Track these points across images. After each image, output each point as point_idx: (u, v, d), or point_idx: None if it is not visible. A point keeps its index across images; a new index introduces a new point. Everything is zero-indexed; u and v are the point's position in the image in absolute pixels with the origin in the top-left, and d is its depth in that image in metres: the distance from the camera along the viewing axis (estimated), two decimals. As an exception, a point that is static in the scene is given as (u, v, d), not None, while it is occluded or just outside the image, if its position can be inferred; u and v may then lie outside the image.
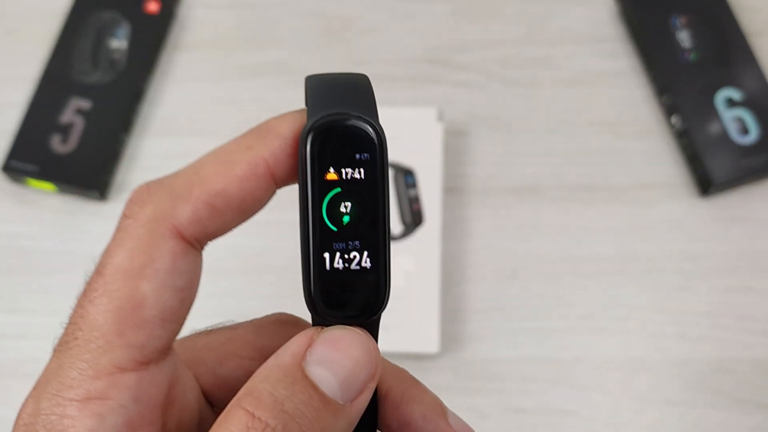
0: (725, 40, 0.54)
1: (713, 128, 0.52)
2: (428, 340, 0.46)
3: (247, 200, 0.16)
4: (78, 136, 0.52)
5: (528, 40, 0.57)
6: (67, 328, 0.15)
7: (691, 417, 0.47)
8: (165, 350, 0.15)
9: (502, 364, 0.48)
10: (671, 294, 0.50)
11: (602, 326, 0.49)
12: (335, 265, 0.15)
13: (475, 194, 0.52)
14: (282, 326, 0.17)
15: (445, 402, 0.21)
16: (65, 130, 0.52)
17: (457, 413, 0.20)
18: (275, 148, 0.15)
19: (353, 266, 0.15)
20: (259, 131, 0.16)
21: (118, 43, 0.54)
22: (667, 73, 0.53)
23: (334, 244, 0.15)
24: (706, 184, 0.51)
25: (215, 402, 0.17)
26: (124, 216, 0.15)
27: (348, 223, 0.15)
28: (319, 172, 0.15)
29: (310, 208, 0.15)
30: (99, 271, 0.15)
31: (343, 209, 0.15)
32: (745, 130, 0.52)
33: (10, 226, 0.52)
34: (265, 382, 0.14)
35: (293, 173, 0.16)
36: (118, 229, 0.15)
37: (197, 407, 0.16)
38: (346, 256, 0.15)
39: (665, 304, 0.49)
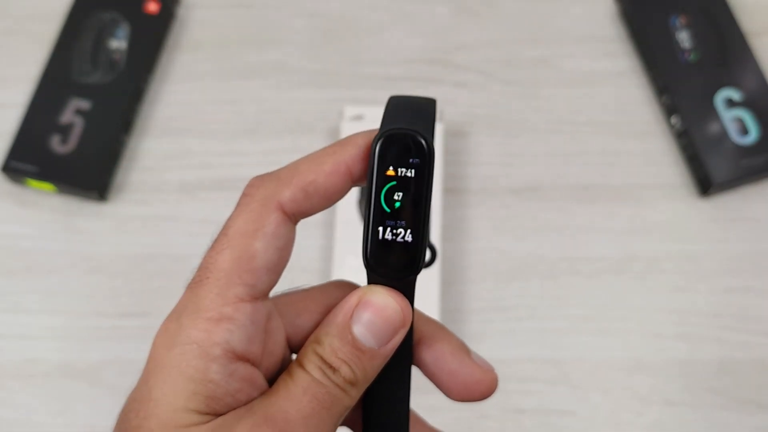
0: (725, 40, 0.54)
1: (713, 128, 0.52)
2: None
3: (330, 189, 0.21)
4: (77, 136, 0.52)
5: (528, 41, 0.57)
6: (198, 271, 0.20)
7: (691, 417, 0.47)
8: (267, 293, 0.21)
9: (502, 364, 0.48)
10: (671, 294, 0.50)
11: (602, 326, 0.49)
12: (386, 236, 0.20)
13: (475, 194, 0.52)
14: (341, 288, 0.23)
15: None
16: (65, 131, 0.52)
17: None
18: (353, 154, 0.21)
19: (399, 239, 0.20)
20: (343, 141, 0.21)
21: (118, 43, 0.55)
22: (666, 74, 0.53)
23: (386, 221, 0.20)
24: (706, 184, 0.51)
25: (292, 346, 0.22)
26: (244, 195, 0.21)
27: (398, 207, 0.20)
28: (382, 168, 0.20)
29: (373, 194, 0.20)
30: (224, 232, 0.20)
31: (396, 197, 0.20)
32: (744, 131, 0.52)
33: (10, 227, 0.52)
34: (327, 336, 0.20)
35: (365, 174, 0.21)
36: (239, 204, 0.21)
37: (283, 344, 0.21)
38: (395, 231, 0.20)
39: (665, 305, 0.49)
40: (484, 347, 0.48)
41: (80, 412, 0.47)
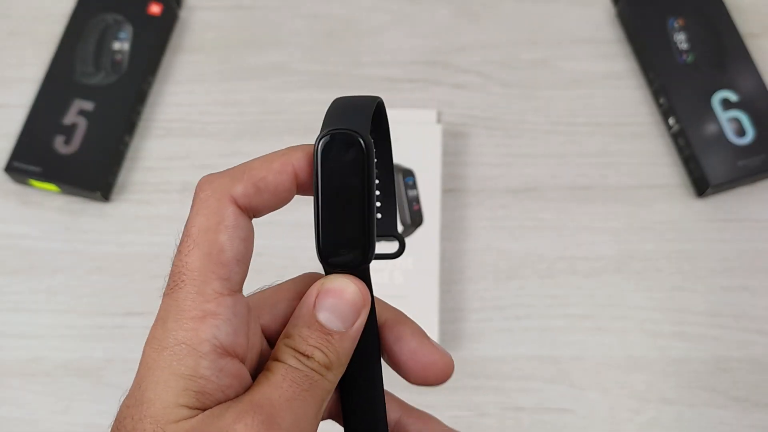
0: (722, 42, 0.55)
1: (710, 129, 0.52)
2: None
3: (279, 187, 0.22)
4: (81, 137, 0.52)
5: (526, 42, 0.57)
6: (172, 277, 0.21)
7: (688, 415, 0.47)
8: (240, 285, 0.21)
9: (501, 362, 0.48)
10: (668, 293, 0.50)
11: (600, 325, 0.49)
12: (336, 231, 0.21)
13: (474, 195, 0.53)
14: (310, 278, 0.24)
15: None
16: (68, 132, 0.52)
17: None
18: (300, 157, 0.22)
19: (347, 233, 0.21)
20: (292, 147, 0.22)
21: (121, 45, 0.55)
22: (664, 75, 0.54)
23: (334, 217, 0.21)
24: (702, 184, 0.51)
25: (270, 336, 0.23)
26: (197, 194, 0.21)
27: (343, 203, 0.21)
28: (325, 167, 0.21)
29: (320, 192, 0.21)
30: (187, 233, 0.21)
31: (340, 193, 0.21)
32: (741, 132, 0.52)
33: (14, 227, 0.52)
34: (295, 327, 0.21)
35: (310, 178, 0.22)
36: (194, 204, 0.21)
37: (260, 336, 0.23)
38: (343, 226, 0.21)
39: (663, 304, 0.50)
40: (482, 346, 0.49)
41: (83, 411, 0.48)
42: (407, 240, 0.50)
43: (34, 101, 0.53)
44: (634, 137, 0.54)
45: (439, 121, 0.52)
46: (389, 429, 0.24)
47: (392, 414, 0.25)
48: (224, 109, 0.55)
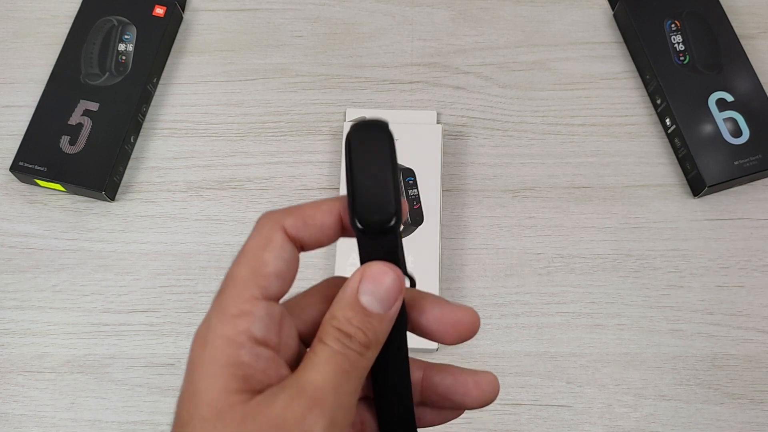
0: (718, 43, 0.55)
1: (706, 130, 0.53)
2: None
3: (324, 224, 0.25)
4: (86, 137, 0.53)
5: (525, 45, 0.58)
6: (222, 284, 0.24)
7: (684, 411, 0.48)
8: (278, 297, 0.24)
9: (499, 358, 0.49)
10: (665, 291, 0.50)
11: (597, 322, 0.50)
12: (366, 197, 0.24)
13: (473, 194, 0.53)
14: (334, 282, 0.26)
15: None
16: (73, 132, 0.53)
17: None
18: (345, 205, 0.25)
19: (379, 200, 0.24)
20: (338, 197, 0.25)
21: (125, 46, 0.55)
22: (660, 76, 0.54)
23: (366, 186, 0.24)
24: (698, 184, 0.52)
25: (303, 338, 0.25)
26: (257, 223, 0.25)
27: (372, 176, 0.24)
28: (354, 146, 0.25)
29: (351, 166, 0.24)
30: (242, 251, 0.24)
31: (369, 168, 0.24)
32: (737, 132, 0.53)
33: (20, 226, 0.53)
34: (340, 310, 0.23)
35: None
36: (253, 230, 0.24)
37: (296, 339, 0.25)
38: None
39: (659, 301, 0.50)
40: (481, 343, 0.49)
41: (88, 407, 0.48)
42: (408, 239, 0.50)
43: (40, 102, 0.54)
44: (631, 137, 0.55)
45: (439, 121, 0.53)
46: (415, 386, 0.27)
47: (416, 373, 0.27)
48: (228, 110, 0.56)
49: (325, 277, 0.26)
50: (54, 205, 0.53)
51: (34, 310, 0.51)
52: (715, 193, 0.53)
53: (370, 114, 0.53)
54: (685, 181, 0.53)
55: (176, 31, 0.58)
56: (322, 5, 0.59)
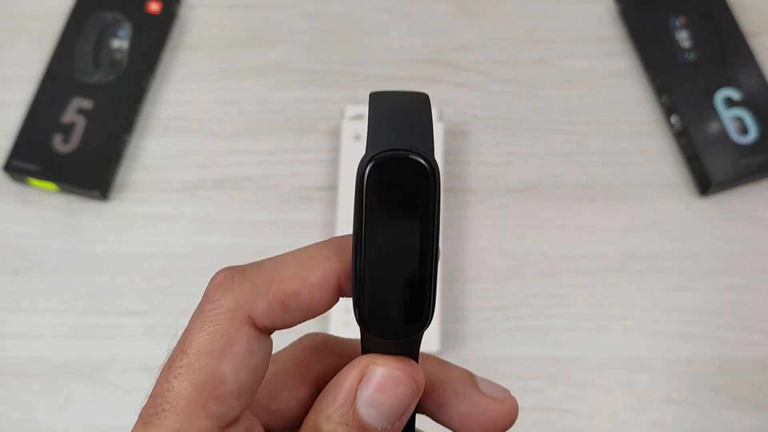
0: (724, 40, 0.54)
1: (712, 128, 0.52)
2: (428, 339, 0.46)
3: (314, 305, 0.17)
4: (79, 135, 0.52)
5: (528, 41, 0.57)
6: (152, 399, 0.17)
7: (691, 416, 0.47)
8: (239, 415, 0.17)
9: (502, 362, 0.48)
10: (671, 293, 0.50)
11: (602, 325, 0.49)
12: (385, 286, 0.16)
13: (475, 194, 0.52)
14: (317, 350, 0.19)
15: None
16: (67, 130, 0.52)
17: None
18: (349, 265, 0.16)
19: (400, 288, 0.16)
20: (339, 246, 0.17)
21: (120, 43, 0.55)
22: (666, 73, 0.53)
23: (384, 266, 0.16)
24: (705, 183, 0.51)
25: None
26: (206, 299, 0.17)
27: (398, 248, 0.16)
28: (374, 202, 0.16)
29: (364, 234, 0.16)
30: (182, 349, 0.17)
31: (394, 236, 0.16)
32: (744, 130, 0.52)
33: (12, 226, 0.52)
34: (328, 423, 0.17)
35: None
36: (201, 311, 0.17)
37: None
38: (395, 279, 0.16)
39: (665, 303, 0.49)
40: (484, 346, 0.49)
41: (81, 410, 0.48)
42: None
43: (33, 99, 0.53)
44: (636, 136, 0.54)
45: (440, 119, 0.52)
46: None
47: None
48: (224, 108, 0.55)
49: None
50: (47, 205, 0.52)
51: (27, 311, 0.50)
52: (723, 193, 0.52)
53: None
54: (692, 181, 0.52)
55: (172, 28, 0.57)
56: (321, 0, 0.59)
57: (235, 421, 0.17)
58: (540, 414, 0.47)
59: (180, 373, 0.16)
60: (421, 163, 0.15)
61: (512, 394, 0.21)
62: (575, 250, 0.51)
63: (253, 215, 0.52)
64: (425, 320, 0.16)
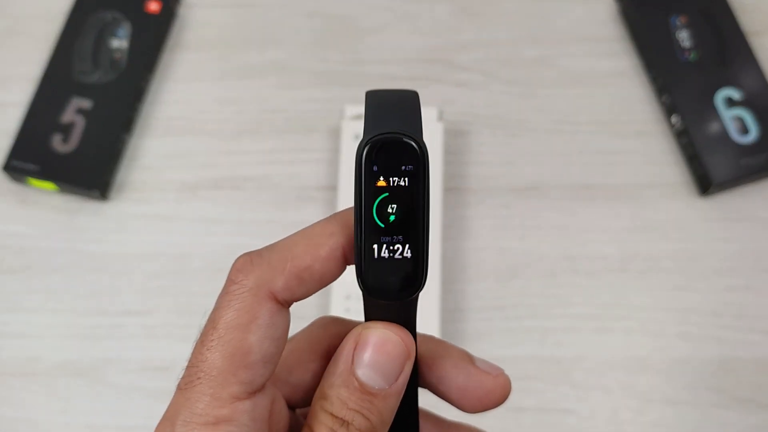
0: (725, 39, 0.54)
1: (713, 128, 0.52)
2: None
3: (326, 275, 0.19)
4: (79, 135, 0.52)
5: (528, 40, 0.57)
6: (188, 370, 0.19)
7: (691, 416, 0.47)
8: (265, 383, 0.19)
9: (502, 362, 0.48)
10: (672, 293, 0.50)
11: (603, 325, 0.49)
12: (382, 254, 0.19)
13: (475, 194, 0.52)
14: (326, 328, 0.22)
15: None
16: (66, 130, 0.52)
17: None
18: (351, 237, 0.19)
19: (396, 256, 0.19)
20: (341, 221, 0.20)
21: (119, 42, 0.55)
22: (666, 73, 0.53)
23: (381, 237, 0.19)
24: (706, 183, 0.51)
25: (292, 404, 0.21)
26: (231, 281, 0.19)
27: (393, 221, 0.18)
28: (371, 179, 0.18)
29: (363, 208, 0.18)
30: (213, 326, 0.19)
31: (389, 210, 0.18)
32: (744, 130, 0.52)
33: (11, 226, 0.52)
34: (331, 388, 0.19)
35: None
36: (227, 292, 0.19)
37: (286, 414, 0.20)
38: (391, 248, 0.19)
39: (666, 304, 0.49)
40: (484, 346, 0.48)
41: (81, 410, 0.48)
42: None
43: (32, 99, 0.53)
44: (637, 135, 0.54)
45: (440, 119, 0.52)
46: None
47: None
48: (223, 107, 0.55)
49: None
50: (46, 205, 0.52)
51: (26, 311, 0.50)
52: (723, 193, 0.52)
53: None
54: (692, 180, 0.52)
55: (171, 27, 0.57)
56: (320, 1, 0.58)
57: (261, 388, 0.19)
58: (540, 414, 0.47)
59: (212, 346, 0.18)
60: (411, 143, 0.18)
61: (512, 394, 0.23)
62: (575, 250, 0.51)
63: (253, 215, 0.52)
64: (419, 283, 0.19)
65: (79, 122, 0.52)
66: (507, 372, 0.50)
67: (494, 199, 0.52)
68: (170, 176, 0.53)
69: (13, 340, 0.49)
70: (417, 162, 0.18)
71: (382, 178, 0.18)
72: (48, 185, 0.52)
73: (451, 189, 0.52)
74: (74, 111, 0.53)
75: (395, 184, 0.18)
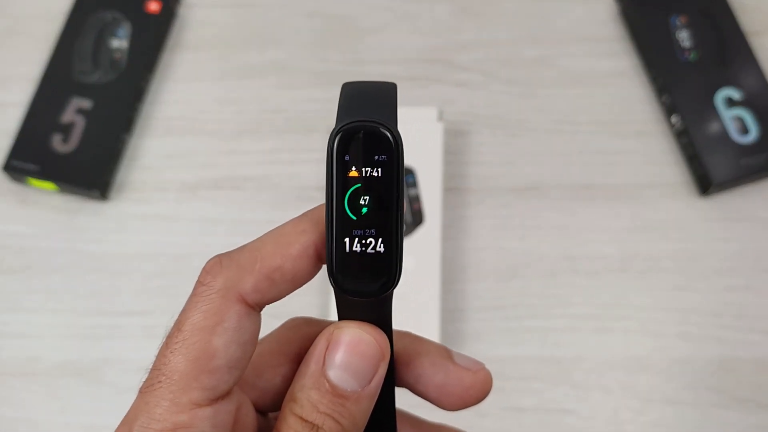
0: (725, 39, 0.54)
1: (713, 128, 0.52)
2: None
3: (298, 275, 0.19)
4: (79, 135, 0.52)
5: (528, 40, 0.57)
6: (151, 373, 0.18)
7: (691, 416, 0.47)
8: (230, 390, 0.18)
9: (502, 362, 0.48)
10: (672, 293, 0.50)
11: (603, 325, 0.49)
12: (354, 248, 0.18)
13: (475, 194, 0.52)
14: (297, 330, 0.21)
15: None
16: (66, 130, 0.52)
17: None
18: (323, 232, 0.18)
19: (369, 250, 0.18)
20: (313, 218, 0.19)
21: (119, 42, 0.55)
22: (666, 73, 0.53)
23: (353, 230, 0.18)
24: (706, 183, 0.51)
25: (262, 409, 0.20)
26: (199, 283, 0.18)
27: (366, 213, 0.17)
28: (343, 169, 0.17)
29: (334, 200, 0.17)
30: (178, 327, 0.18)
31: (362, 202, 0.17)
32: (744, 130, 0.52)
33: (11, 226, 0.52)
34: (302, 391, 0.18)
35: None
36: (195, 294, 0.18)
37: (253, 420, 0.20)
38: (364, 242, 0.18)
39: (666, 304, 0.49)
40: (484, 346, 0.48)
41: (81, 411, 0.48)
42: (408, 239, 0.49)
43: (32, 99, 0.53)
44: (637, 135, 0.54)
45: (440, 119, 0.52)
46: None
47: None
48: (223, 107, 0.55)
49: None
50: (46, 205, 0.52)
51: (26, 311, 0.50)
52: (723, 193, 0.52)
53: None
54: (692, 180, 0.52)
55: (171, 27, 0.57)
56: (320, 0, 0.58)
57: (225, 395, 0.18)
58: (540, 414, 0.47)
59: (176, 349, 0.18)
60: (385, 133, 0.17)
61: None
62: (575, 250, 0.51)
63: (253, 215, 0.52)
64: (393, 279, 0.18)
65: (79, 122, 0.52)
66: (507, 372, 0.50)
67: (494, 199, 0.52)
68: (170, 176, 0.53)
69: (13, 340, 0.49)
70: (390, 152, 0.17)
71: (354, 169, 0.17)
72: (48, 185, 0.52)
73: (451, 189, 0.52)
74: (74, 111, 0.53)
75: (368, 174, 0.17)
